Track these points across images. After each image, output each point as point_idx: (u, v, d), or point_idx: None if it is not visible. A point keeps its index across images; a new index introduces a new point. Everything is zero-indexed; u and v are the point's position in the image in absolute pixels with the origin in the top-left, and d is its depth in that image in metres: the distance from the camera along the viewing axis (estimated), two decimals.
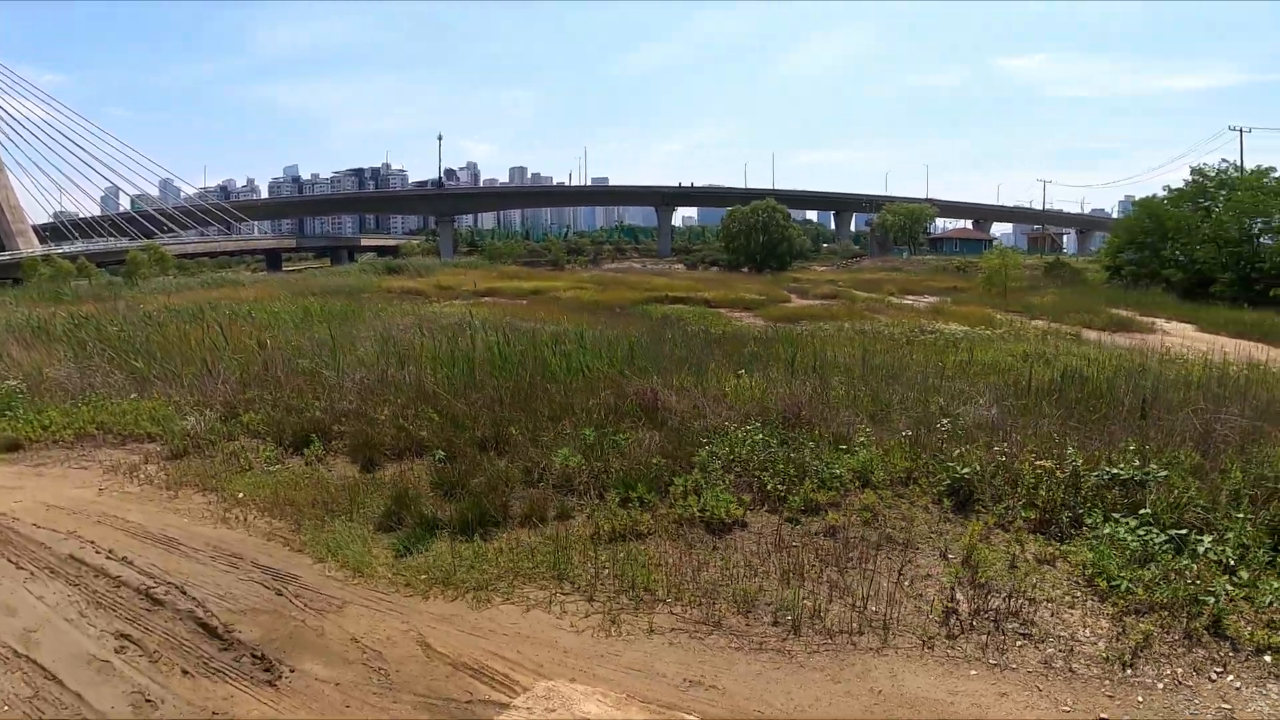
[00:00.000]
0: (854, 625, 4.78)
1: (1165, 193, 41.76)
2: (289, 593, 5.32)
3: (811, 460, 6.88)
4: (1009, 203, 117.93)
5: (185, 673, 4.33)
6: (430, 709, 4.10)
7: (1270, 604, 4.37)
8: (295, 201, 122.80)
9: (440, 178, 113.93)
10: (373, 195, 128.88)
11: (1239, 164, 42.43)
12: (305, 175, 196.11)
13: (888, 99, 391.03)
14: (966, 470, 6.36)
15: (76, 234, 70.10)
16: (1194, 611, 4.48)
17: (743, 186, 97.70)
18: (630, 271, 54.95)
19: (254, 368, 10.06)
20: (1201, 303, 29.94)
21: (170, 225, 72.23)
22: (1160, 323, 23.22)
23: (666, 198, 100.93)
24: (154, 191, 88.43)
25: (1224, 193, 38.58)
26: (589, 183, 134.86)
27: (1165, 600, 4.59)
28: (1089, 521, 5.60)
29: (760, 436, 7.33)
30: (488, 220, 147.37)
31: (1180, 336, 18.05)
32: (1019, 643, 4.54)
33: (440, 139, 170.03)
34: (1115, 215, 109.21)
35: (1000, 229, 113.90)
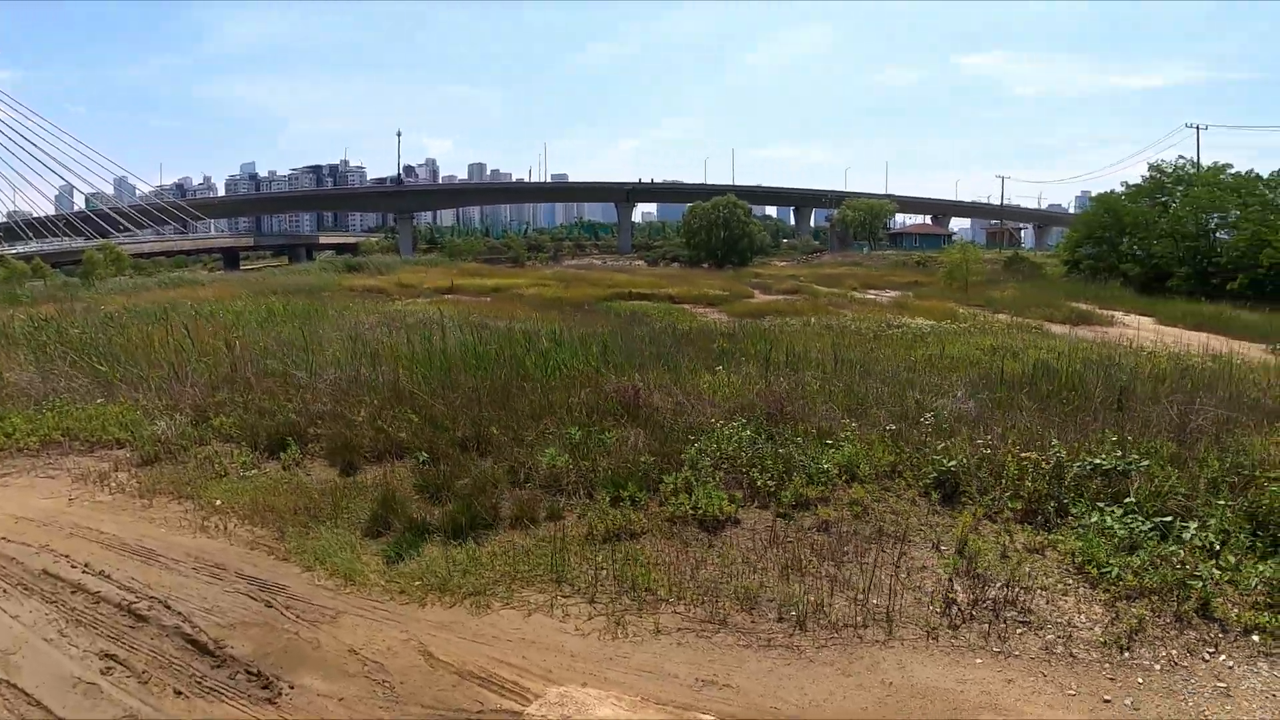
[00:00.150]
0: (857, 619, 4.83)
1: (1123, 189, 43.02)
2: (279, 604, 5.12)
3: (798, 456, 6.94)
4: (967, 198, 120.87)
5: (178, 693, 4.13)
6: None
7: (1256, 586, 4.57)
8: (253, 199, 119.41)
9: (399, 175, 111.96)
10: (332, 193, 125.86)
11: (1196, 161, 43.80)
12: (262, 173, 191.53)
13: (846, 96, 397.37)
14: (953, 463, 6.49)
15: (30, 234, 66.66)
16: (1182, 595, 4.66)
17: (703, 183, 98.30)
18: (592, 268, 54.65)
19: (222, 370, 9.67)
20: (1159, 296, 30.81)
21: (126, 224, 69.25)
22: (1119, 316, 24.04)
23: (628, 194, 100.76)
24: (109, 190, 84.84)
25: (1181, 189, 39.64)
26: (549, 179, 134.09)
27: (1155, 585, 4.76)
28: (1074, 511, 5.77)
29: (748, 433, 7.37)
30: (447, 217, 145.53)
31: (1140, 329, 18.81)
32: (1019, 630, 4.65)
33: (399, 135, 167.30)
34: (1072, 210, 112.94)
35: (959, 224, 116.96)
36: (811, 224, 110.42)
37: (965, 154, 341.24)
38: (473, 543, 5.95)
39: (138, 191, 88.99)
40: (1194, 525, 5.00)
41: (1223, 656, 4.27)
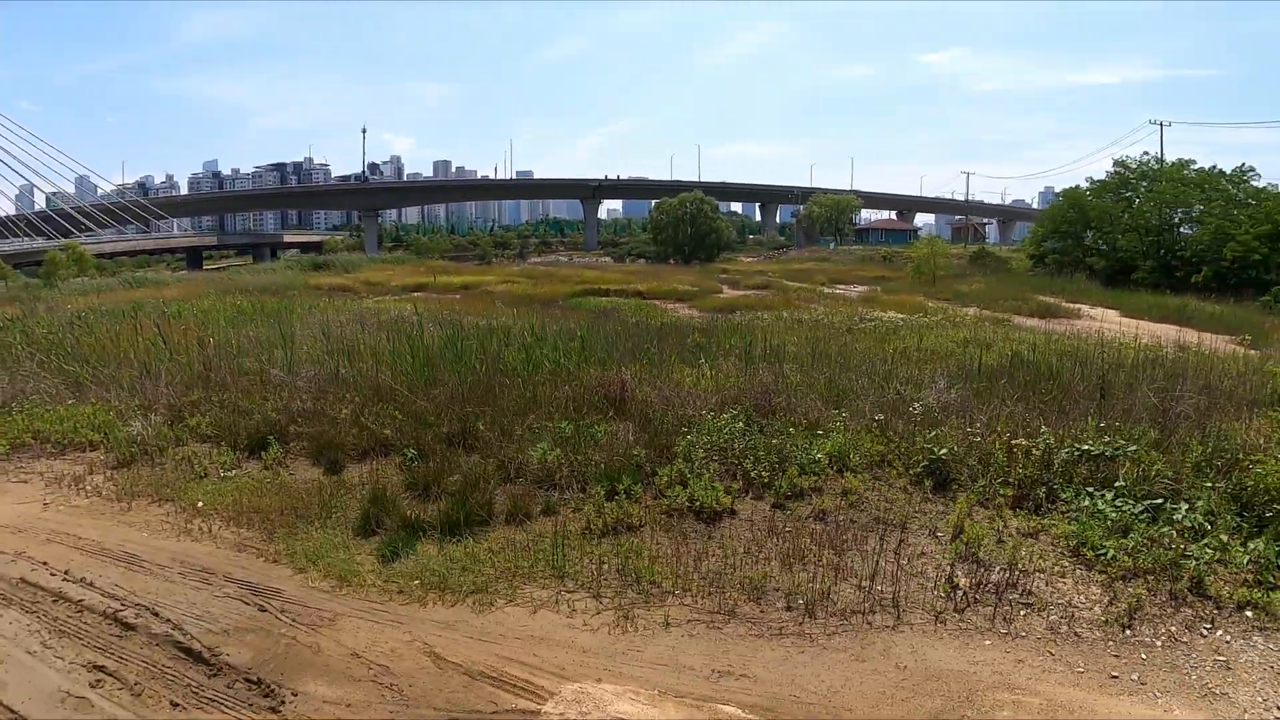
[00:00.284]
0: (865, 605, 4.86)
1: (1088, 184, 43.90)
2: (273, 608, 4.94)
3: (789, 447, 6.97)
4: (932, 194, 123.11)
5: (174, 704, 3.94)
6: None
7: (1246, 564, 4.73)
8: (216, 198, 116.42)
9: (364, 172, 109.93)
10: (297, 190, 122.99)
11: (1160, 156, 44.99)
12: (226, 170, 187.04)
13: (809, 92, 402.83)
14: (944, 451, 6.59)
15: None
16: (1175, 575, 4.80)
17: (669, 179, 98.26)
18: (559, 265, 54.26)
19: (196, 368, 9.30)
20: (1124, 289, 31.37)
21: (88, 224, 66.58)
22: (1086, 309, 24.69)
23: (594, 190, 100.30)
24: (70, 189, 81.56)
25: (1145, 184, 40.58)
26: (514, 176, 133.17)
27: (1149, 566, 4.90)
28: (1064, 496, 5.91)
29: (740, 424, 7.38)
30: (412, 215, 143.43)
31: (1106, 321, 19.40)
32: (1023, 612, 4.74)
33: (364, 132, 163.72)
34: (1035, 206, 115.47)
35: (923, 219, 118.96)
36: (777, 220, 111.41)
37: (929, 150, 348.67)
38: (469, 540, 5.84)
39: (99, 190, 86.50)
40: (1184, 507, 5.15)
41: (1219, 632, 4.41)
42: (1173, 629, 4.46)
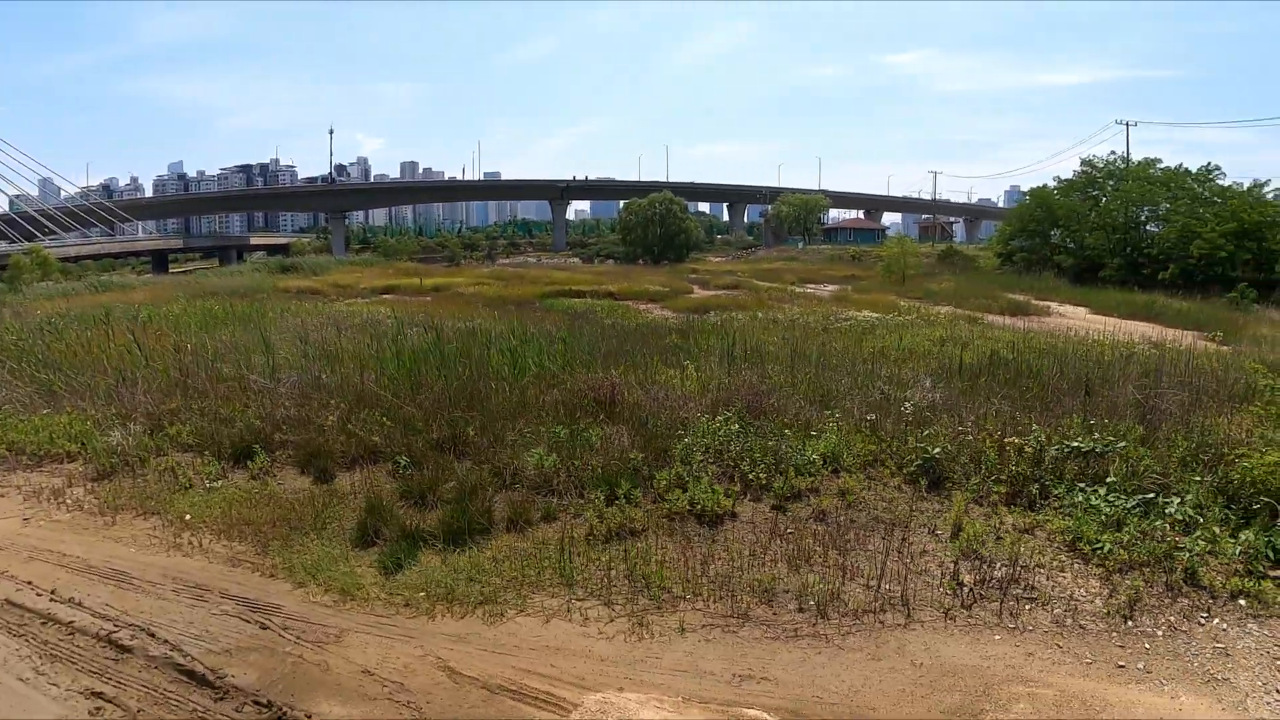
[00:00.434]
0: (875, 604, 4.92)
1: (1055, 183, 44.68)
2: (275, 625, 4.79)
3: (785, 448, 7.02)
4: (899, 193, 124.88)
5: None
6: None
7: (1237, 554, 4.91)
8: (182, 200, 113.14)
9: (332, 174, 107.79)
10: (264, 192, 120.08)
11: (1126, 155, 45.45)
12: (191, 172, 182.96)
13: (776, 92, 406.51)
14: (937, 450, 6.70)
15: None
16: (1170, 567, 4.97)
17: (638, 180, 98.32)
18: (528, 266, 53.94)
19: (172, 375, 8.97)
20: (1092, 286, 32.04)
21: (51, 227, 63.81)
22: (1055, 306, 25.32)
23: (563, 191, 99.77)
24: (34, 191, 78.13)
25: (1112, 183, 41.41)
26: (482, 177, 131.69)
27: (1143, 558, 5.06)
28: (1056, 492, 6.06)
29: (736, 427, 7.40)
30: (379, 217, 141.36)
31: (1076, 318, 19.99)
32: (1028, 606, 4.85)
33: (331, 133, 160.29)
34: (1000, 204, 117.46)
35: (891, 218, 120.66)
36: (745, 219, 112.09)
37: (896, 149, 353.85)
38: (472, 548, 5.74)
39: (63, 193, 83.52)
40: (1175, 501, 5.33)
41: (1216, 620, 4.58)
42: (1172, 619, 4.62)
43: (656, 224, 61.36)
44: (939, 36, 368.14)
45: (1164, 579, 4.92)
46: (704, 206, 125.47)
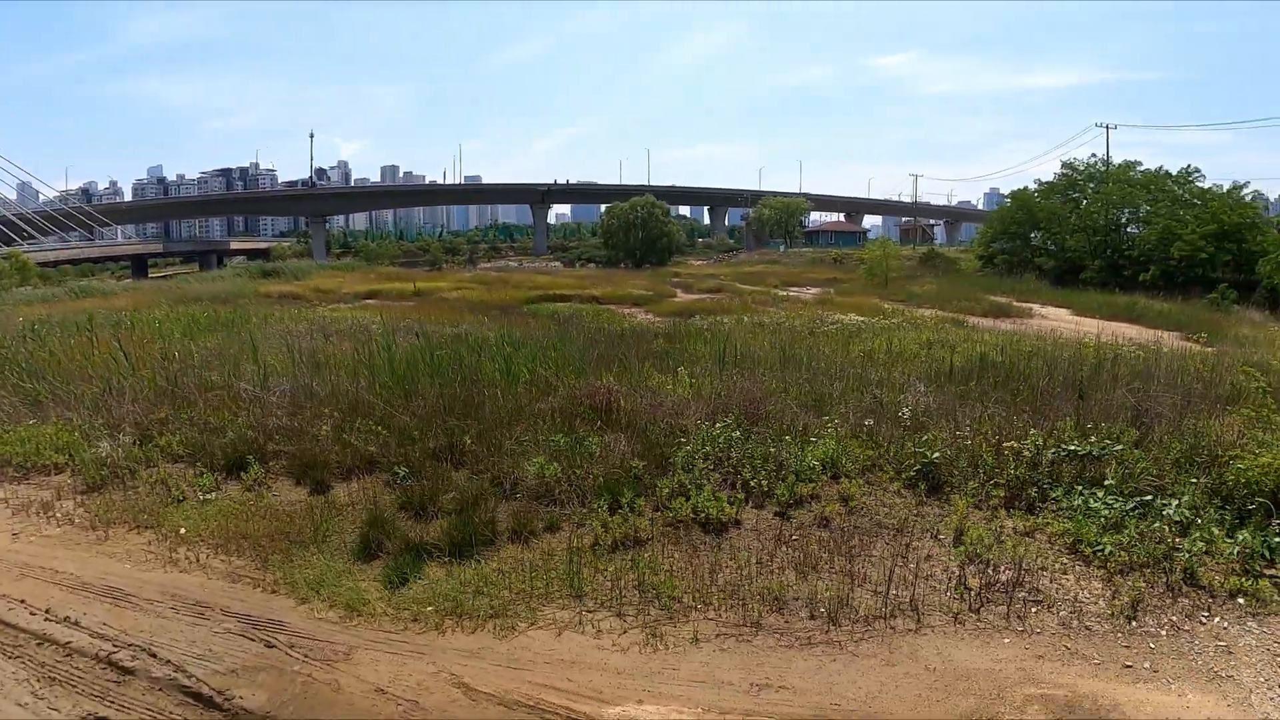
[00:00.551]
0: (885, 610, 4.95)
1: (1035, 185, 45.03)
2: (281, 643, 4.70)
3: (785, 455, 7.04)
4: (880, 196, 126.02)
5: None
6: None
7: (1234, 554, 5.03)
8: (162, 204, 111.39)
9: (312, 178, 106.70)
10: (243, 196, 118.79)
11: (1106, 158, 46.31)
12: (171, 176, 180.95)
13: (758, 96, 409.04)
14: (936, 455, 6.76)
15: None
16: (1169, 567, 5.07)
17: (619, 183, 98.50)
18: (510, 270, 53.79)
19: (160, 383, 8.77)
20: (1073, 288, 32.40)
21: (30, 231, 62.31)
22: (1037, 308, 25.65)
23: (544, 195, 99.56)
24: (12, 195, 76.34)
25: (1093, 185, 41.84)
26: (463, 181, 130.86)
27: (1143, 559, 5.16)
28: (1054, 495, 6.15)
29: (737, 433, 7.41)
30: (360, 221, 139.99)
31: (1058, 320, 20.35)
32: (1034, 609, 4.92)
33: (312, 136, 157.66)
34: (980, 207, 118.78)
35: (872, 221, 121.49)
36: (726, 223, 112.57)
37: (878, 152, 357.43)
38: (477, 560, 5.68)
39: (41, 197, 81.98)
40: (1173, 503, 5.44)
41: (1217, 619, 4.69)
42: (1174, 618, 4.71)
43: (638, 228, 61.54)
44: (924, 39, 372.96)
45: (1164, 579, 5.02)
46: (685, 210, 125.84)
